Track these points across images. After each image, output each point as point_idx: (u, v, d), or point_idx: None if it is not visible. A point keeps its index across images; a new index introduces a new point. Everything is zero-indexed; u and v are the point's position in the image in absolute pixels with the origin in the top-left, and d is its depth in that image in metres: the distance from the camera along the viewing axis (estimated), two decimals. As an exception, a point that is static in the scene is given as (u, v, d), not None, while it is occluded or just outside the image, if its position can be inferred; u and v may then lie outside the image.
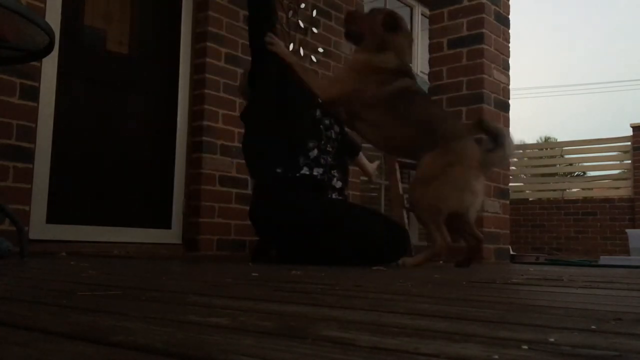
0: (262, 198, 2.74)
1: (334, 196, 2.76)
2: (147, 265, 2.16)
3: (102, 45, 3.63)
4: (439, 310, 0.92)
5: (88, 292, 1.07)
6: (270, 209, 2.68)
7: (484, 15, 3.94)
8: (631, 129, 8.45)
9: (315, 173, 2.68)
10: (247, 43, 4.06)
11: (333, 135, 2.87)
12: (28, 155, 2.99)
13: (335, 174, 2.80)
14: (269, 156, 2.71)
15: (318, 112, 2.82)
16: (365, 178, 5.37)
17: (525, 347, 0.59)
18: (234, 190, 3.86)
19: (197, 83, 3.87)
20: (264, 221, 2.74)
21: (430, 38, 4.20)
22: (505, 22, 4.19)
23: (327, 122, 2.84)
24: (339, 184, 2.80)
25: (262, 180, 2.77)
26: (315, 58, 4.58)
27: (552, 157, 9.94)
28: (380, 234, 2.64)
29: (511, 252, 4.20)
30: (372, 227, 2.64)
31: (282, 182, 2.67)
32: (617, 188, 8.62)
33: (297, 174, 2.65)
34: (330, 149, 2.83)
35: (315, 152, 2.72)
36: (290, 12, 4.37)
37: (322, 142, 2.77)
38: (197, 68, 3.88)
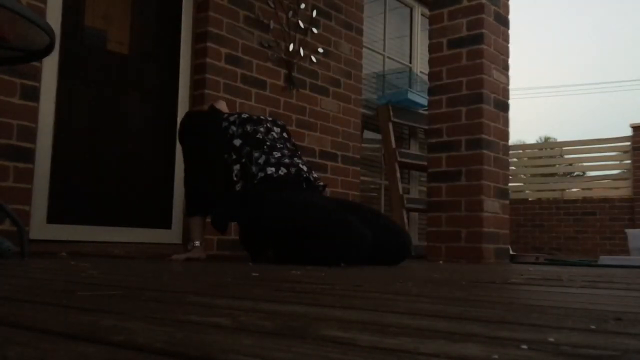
0: (241, 218, 2.89)
1: (304, 176, 2.89)
2: (147, 265, 2.16)
3: (103, 45, 3.63)
4: (439, 310, 0.92)
5: (88, 292, 1.07)
6: (251, 223, 2.83)
7: (483, 16, 3.94)
8: (631, 129, 8.45)
9: (269, 172, 2.81)
10: (247, 44, 4.08)
11: (275, 136, 3.04)
12: (28, 156, 2.99)
13: (298, 160, 2.96)
14: (228, 184, 2.88)
15: (248, 127, 2.97)
16: (367, 178, 5.37)
17: (525, 346, 0.59)
18: (234, 191, 3.87)
19: (197, 83, 3.87)
20: (255, 239, 2.88)
21: (430, 38, 4.20)
22: (505, 23, 4.19)
23: (262, 129, 2.99)
24: (305, 167, 2.95)
25: (233, 208, 2.88)
26: (315, 58, 4.58)
27: (551, 157, 9.93)
28: (364, 238, 2.61)
29: (511, 252, 4.20)
30: (365, 229, 2.62)
31: (247, 194, 2.81)
32: (617, 188, 8.62)
33: (255, 181, 2.80)
34: (280, 146, 2.97)
35: (263, 157, 2.86)
36: (290, 13, 4.37)
37: (266, 147, 2.90)
38: (197, 68, 3.88)
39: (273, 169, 2.80)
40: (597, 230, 8.41)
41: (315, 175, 3.01)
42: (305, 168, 2.93)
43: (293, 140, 3.28)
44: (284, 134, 3.16)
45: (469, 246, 3.78)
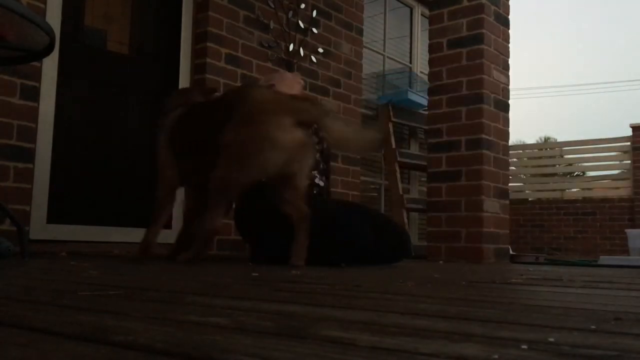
0: (243, 206, 2.83)
1: (315, 192, 2.85)
2: (147, 265, 2.16)
3: (103, 45, 3.63)
4: (439, 310, 0.92)
5: (88, 292, 1.07)
6: (254, 213, 2.77)
7: (483, 16, 3.94)
8: (631, 129, 8.45)
9: None
10: (247, 45, 4.08)
11: None
12: (28, 156, 2.99)
13: (316, 174, 2.90)
14: None
15: None
16: (367, 178, 5.36)
17: (524, 346, 0.59)
18: (234, 191, 3.86)
19: (197, 83, 3.87)
20: (250, 228, 2.84)
21: (430, 38, 4.20)
22: (505, 23, 4.19)
23: None
24: (321, 183, 2.91)
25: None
26: (315, 58, 4.58)
27: (551, 157, 9.93)
28: (373, 237, 2.62)
29: (511, 252, 4.20)
30: (365, 229, 2.63)
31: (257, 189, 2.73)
32: (617, 188, 8.62)
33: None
34: None
35: None
36: (290, 13, 4.37)
37: None
38: (198, 68, 3.88)
39: None
40: (596, 230, 8.41)
41: (328, 191, 2.97)
42: (320, 183, 2.90)
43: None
44: None
45: (469, 246, 3.78)
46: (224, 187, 2.29)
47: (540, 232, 8.79)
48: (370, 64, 5.53)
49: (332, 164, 4.71)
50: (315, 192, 2.88)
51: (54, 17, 3.21)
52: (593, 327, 0.75)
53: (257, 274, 1.73)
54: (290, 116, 2.25)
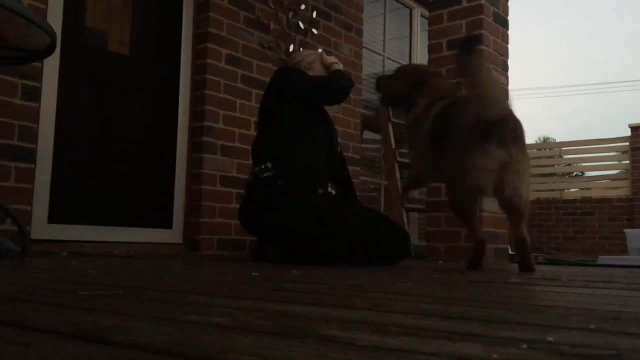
0: (250, 199, 2.79)
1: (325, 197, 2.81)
2: (148, 265, 2.16)
3: (104, 46, 3.63)
4: (439, 310, 0.92)
5: (89, 292, 1.08)
6: (258, 211, 2.74)
7: (482, 17, 3.94)
8: (629, 129, 8.45)
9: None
10: (247, 45, 4.08)
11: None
12: (30, 156, 3.00)
13: (329, 183, 2.85)
14: (264, 153, 2.76)
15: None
16: (367, 178, 5.36)
17: (524, 346, 0.59)
18: (234, 190, 3.87)
19: (197, 84, 3.88)
20: (254, 223, 2.80)
21: (429, 39, 4.19)
22: (504, 24, 4.19)
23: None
24: (332, 192, 2.85)
25: (254, 177, 2.78)
26: (315, 58, 4.58)
27: (550, 157, 9.94)
28: (373, 237, 2.63)
29: (510, 252, 4.20)
30: (365, 229, 2.63)
31: (269, 184, 2.70)
32: (616, 188, 8.62)
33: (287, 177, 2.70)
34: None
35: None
36: (291, 13, 4.37)
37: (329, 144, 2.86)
38: (198, 69, 3.89)
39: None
40: (595, 230, 8.41)
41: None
42: (332, 193, 2.89)
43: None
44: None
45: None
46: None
47: (539, 231, 8.79)
48: (370, 65, 5.53)
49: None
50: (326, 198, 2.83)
51: (55, 18, 3.21)
52: (592, 326, 0.75)
53: (257, 274, 1.73)
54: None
